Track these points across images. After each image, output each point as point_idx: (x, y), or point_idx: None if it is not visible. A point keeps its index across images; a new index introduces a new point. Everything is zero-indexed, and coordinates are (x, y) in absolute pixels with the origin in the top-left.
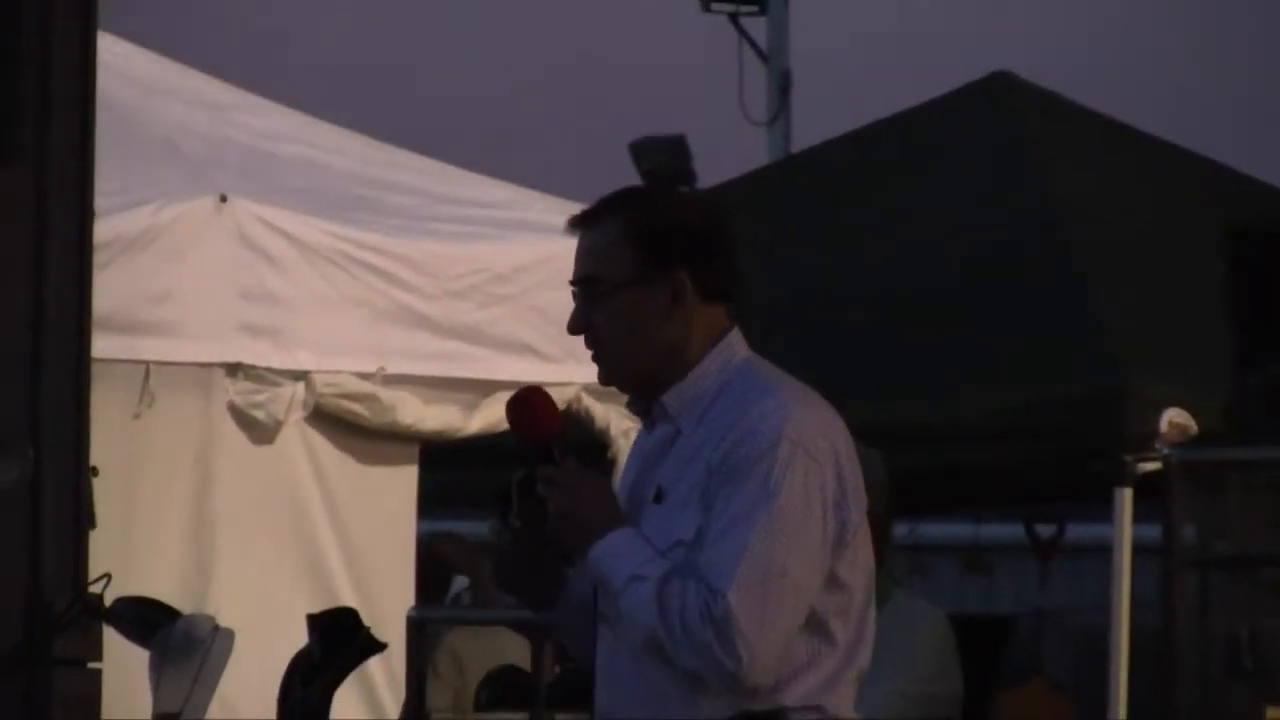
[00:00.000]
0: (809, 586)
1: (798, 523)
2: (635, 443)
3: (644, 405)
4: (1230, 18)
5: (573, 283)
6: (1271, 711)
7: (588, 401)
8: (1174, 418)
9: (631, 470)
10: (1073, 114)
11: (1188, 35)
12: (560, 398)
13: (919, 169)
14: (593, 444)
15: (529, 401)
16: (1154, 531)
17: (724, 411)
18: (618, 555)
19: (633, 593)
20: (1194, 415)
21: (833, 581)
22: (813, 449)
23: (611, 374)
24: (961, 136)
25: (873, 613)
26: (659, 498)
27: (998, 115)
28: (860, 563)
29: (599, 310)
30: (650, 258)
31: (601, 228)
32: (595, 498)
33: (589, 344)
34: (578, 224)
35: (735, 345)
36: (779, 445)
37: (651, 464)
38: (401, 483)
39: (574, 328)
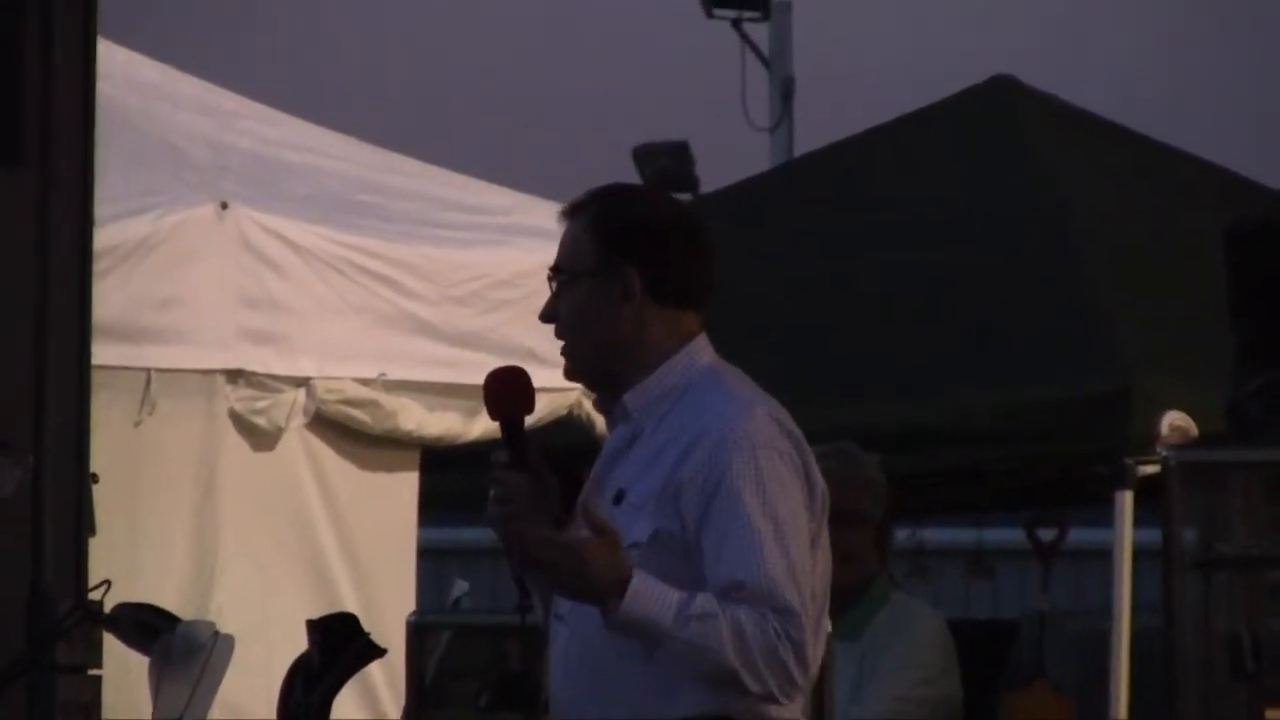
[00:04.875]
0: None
1: (797, 524)
2: (605, 440)
3: (608, 404)
4: (1227, 24)
5: (549, 270)
6: (1271, 712)
7: (588, 406)
8: (1175, 420)
9: (597, 468)
10: (1073, 117)
11: (1187, 44)
12: (562, 403)
13: (920, 172)
14: (591, 448)
15: (497, 381)
16: (1157, 535)
17: (685, 417)
18: (651, 599)
19: (696, 630)
20: (1195, 417)
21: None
22: (784, 451)
23: (568, 365)
24: (962, 139)
25: (826, 617)
26: (619, 499)
27: (998, 118)
28: (820, 566)
29: (562, 300)
30: (606, 252)
31: (575, 220)
32: (598, 557)
33: (557, 334)
34: (562, 214)
35: (700, 350)
36: (757, 451)
37: (611, 463)
38: (403, 488)
39: (543, 315)
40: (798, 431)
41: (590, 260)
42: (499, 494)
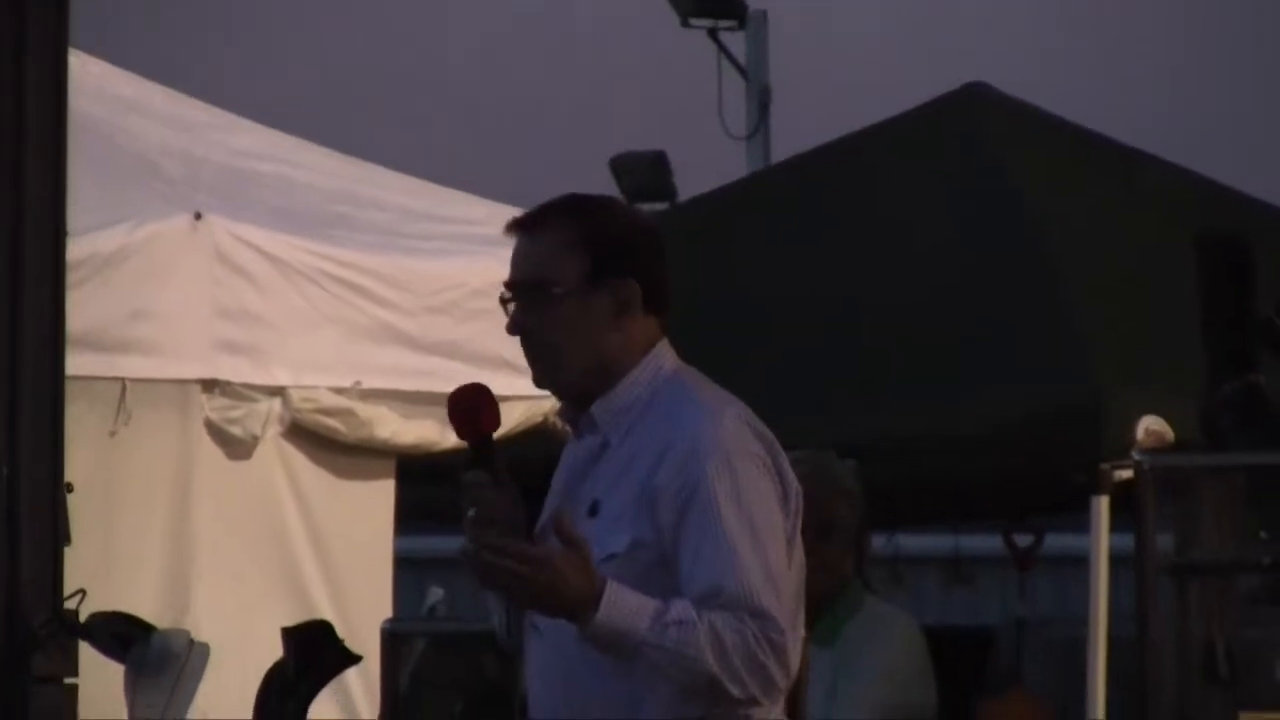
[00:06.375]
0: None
1: (774, 528)
2: (564, 452)
3: (573, 415)
4: (1207, 28)
5: (514, 286)
6: (1245, 717)
7: None
8: (1151, 425)
9: (559, 480)
10: (1046, 124)
11: (1163, 46)
12: (536, 411)
13: (892, 181)
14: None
15: (468, 399)
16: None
17: (655, 426)
18: (626, 608)
19: (673, 638)
20: (1171, 423)
21: None
22: (756, 454)
23: (552, 380)
24: (935, 147)
25: (802, 616)
26: (594, 511)
27: (969, 125)
28: (795, 563)
29: (544, 315)
30: (602, 265)
31: (550, 232)
32: (569, 571)
33: (528, 346)
34: (521, 227)
35: (664, 356)
36: (731, 457)
37: (580, 475)
38: (378, 497)
39: (514, 329)
40: (768, 432)
41: (580, 275)
42: (482, 515)
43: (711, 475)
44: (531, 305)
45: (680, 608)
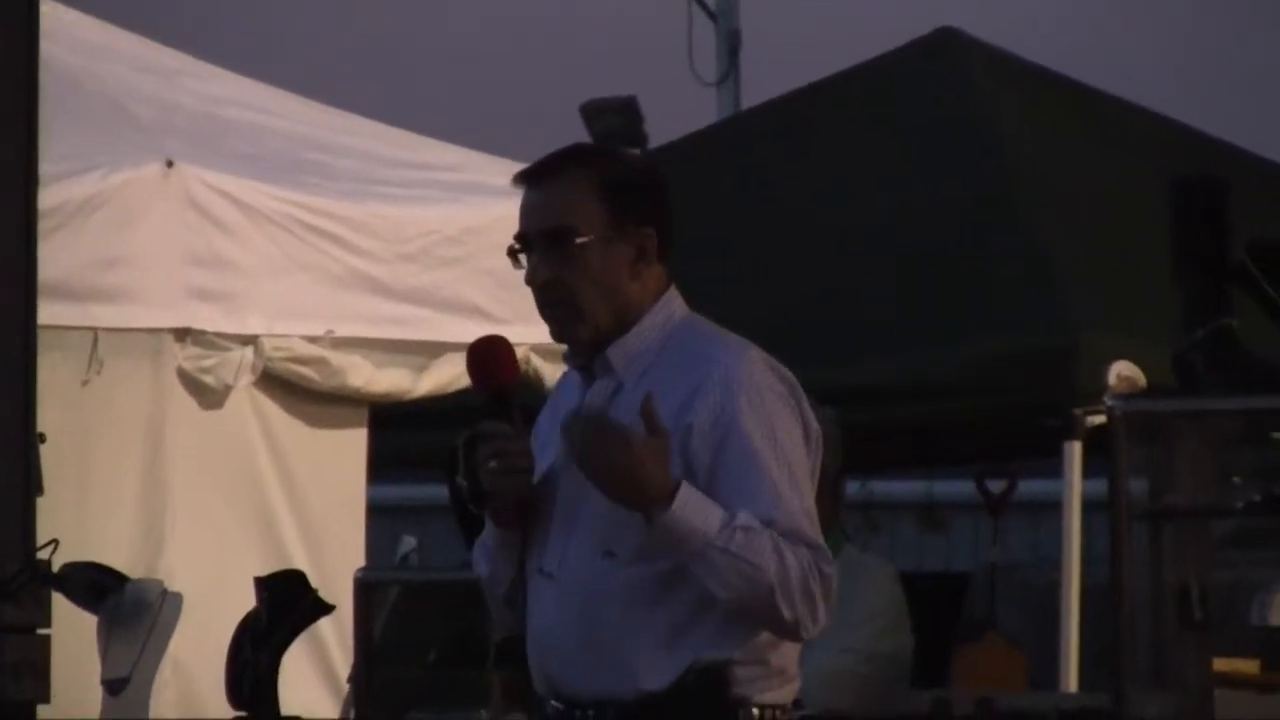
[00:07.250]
0: None
1: (804, 466)
2: (559, 396)
3: (585, 359)
4: None
5: (531, 237)
6: (1219, 662)
7: (537, 362)
8: (1122, 370)
9: (552, 424)
10: (1017, 69)
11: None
12: None
13: (864, 126)
14: (541, 405)
15: (488, 351)
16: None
17: (677, 367)
18: (698, 507)
19: (740, 541)
20: (1144, 368)
21: None
22: (782, 394)
23: (575, 330)
24: (906, 93)
25: None
26: None
27: (943, 71)
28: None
29: (567, 265)
30: (623, 213)
31: (567, 181)
32: (653, 457)
33: (549, 298)
34: (534, 177)
35: (675, 302)
36: (763, 395)
37: None
38: (351, 445)
39: (541, 280)
40: (789, 373)
41: (603, 223)
42: (504, 464)
43: (745, 413)
44: (552, 256)
45: (747, 515)
